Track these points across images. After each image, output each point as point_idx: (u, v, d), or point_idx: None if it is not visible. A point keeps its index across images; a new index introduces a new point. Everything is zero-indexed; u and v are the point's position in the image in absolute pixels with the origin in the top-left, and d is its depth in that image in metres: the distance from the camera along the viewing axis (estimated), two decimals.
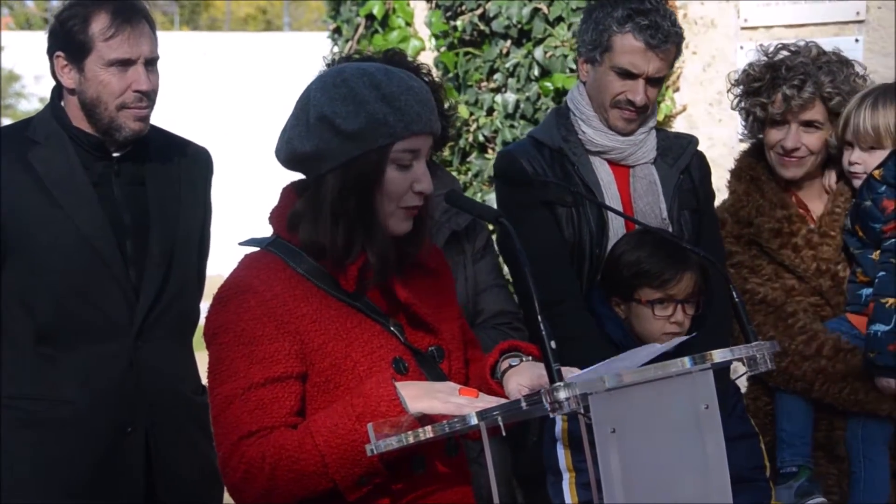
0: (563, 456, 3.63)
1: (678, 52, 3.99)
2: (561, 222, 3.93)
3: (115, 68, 3.80)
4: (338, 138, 2.70)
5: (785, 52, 4.15)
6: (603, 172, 3.98)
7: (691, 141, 4.16)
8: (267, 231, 2.88)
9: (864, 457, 4.00)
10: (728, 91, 4.26)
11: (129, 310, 3.85)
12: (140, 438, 3.87)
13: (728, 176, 4.35)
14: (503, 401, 2.67)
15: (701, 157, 4.17)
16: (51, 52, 3.87)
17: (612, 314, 3.79)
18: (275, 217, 2.85)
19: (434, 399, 2.64)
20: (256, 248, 2.84)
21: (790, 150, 4.11)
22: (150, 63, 3.86)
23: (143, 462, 3.89)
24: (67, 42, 3.82)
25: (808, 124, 4.09)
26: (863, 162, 4.05)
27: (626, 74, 3.90)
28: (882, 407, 3.98)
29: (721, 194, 4.33)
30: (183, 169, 4.03)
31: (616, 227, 3.94)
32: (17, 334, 3.84)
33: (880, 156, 4.01)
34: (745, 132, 4.28)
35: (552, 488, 3.65)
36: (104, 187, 3.88)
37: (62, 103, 3.92)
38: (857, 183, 4.08)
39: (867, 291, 4.00)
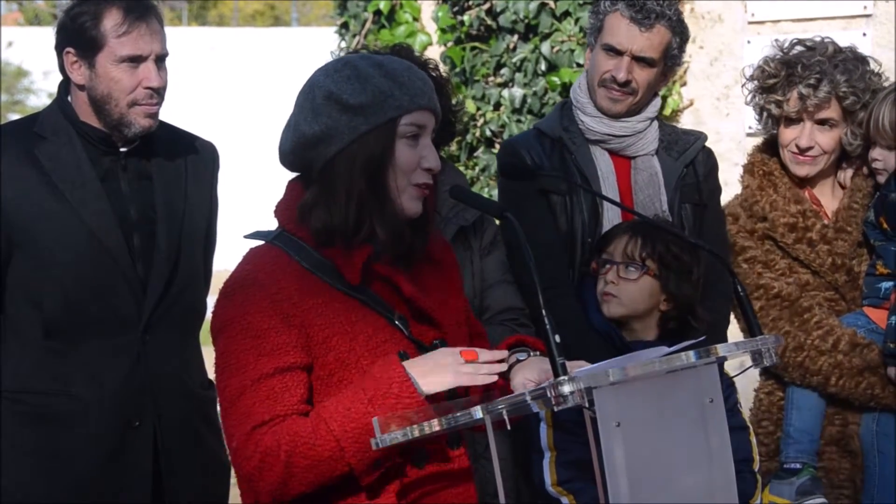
0: (545, 435, 3.64)
1: (674, 42, 3.99)
2: (555, 211, 3.97)
3: (127, 65, 3.81)
4: (346, 115, 2.72)
5: (800, 48, 4.13)
6: (603, 163, 4.01)
7: (699, 137, 4.18)
8: (274, 225, 2.89)
9: (879, 451, 4.00)
10: (742, 86, 4.25)
11: (137, 304, 3.86)
12: (147, 433, 3.88)
13: (734, 170, 4.36)
14: (502, 353, 2.71)
15: (708, 153, 4.18)
16: (60, 48, 3.87)
17: (596, 299, 3.81)
18: (281, 210, 2.85)
19: (444, 374, 2.66)
20: (261, 242, 2.84)
21: (804, 148, 4.09)
22: (160, 60, 3.87)
23: (151, 456, 3.89)
24: (78, 38, 3.82)
25: (823, 123, 4.08)
26: (883, 159, 4.04)
27: (613, 51, 3.95)
28: None
29: (728, 188, 4.33)
30: (189, 164, 4.03)
31: (611, 217, 3.96)
32: (24, 329, 3.85)
33: None
34: (759, 127, 4.26)
35: (535, 466, 3.67)
36: (111, 182, 3.88)
37: (69, 98, 3.92)
38: (880, 179, 4.07)
39: (887, 284, 4.00)
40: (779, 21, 6.14)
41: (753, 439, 3.87)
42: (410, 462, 2.76)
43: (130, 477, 3.87)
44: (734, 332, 4.15)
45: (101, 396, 3.83)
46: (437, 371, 2.67)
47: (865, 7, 5.98)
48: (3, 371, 3.86)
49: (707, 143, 4.20)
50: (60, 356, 3.83)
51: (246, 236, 2.90)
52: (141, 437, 3.87)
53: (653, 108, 4.07)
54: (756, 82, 4.17)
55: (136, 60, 3.80)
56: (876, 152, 4.05)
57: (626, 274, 3.74)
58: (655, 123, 4.09)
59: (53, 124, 3.89)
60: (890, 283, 4.00)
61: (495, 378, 2.71)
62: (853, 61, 4.08)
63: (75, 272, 3.81)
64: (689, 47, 6.29)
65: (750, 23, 6.22)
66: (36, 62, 25.22)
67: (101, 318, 3.83)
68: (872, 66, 4.14)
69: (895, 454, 3.99)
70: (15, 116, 24.76)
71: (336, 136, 2.73)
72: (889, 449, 4.00)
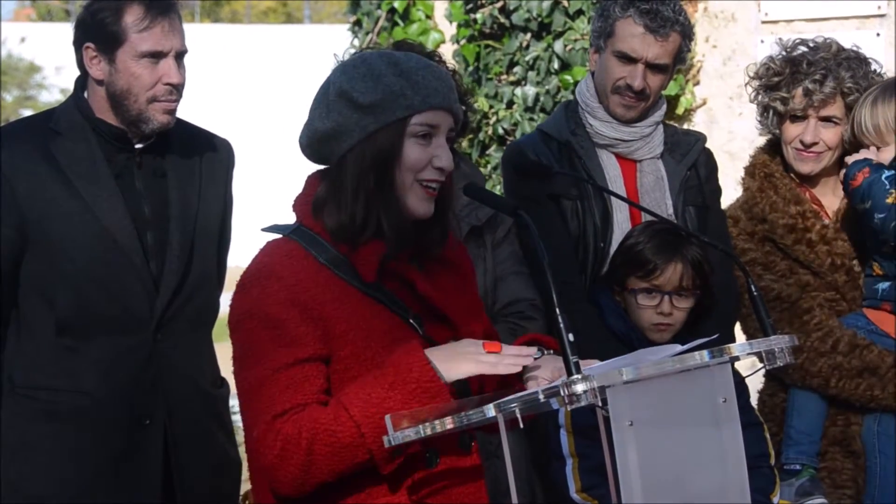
0: (566, 442, 3.65)
1: (685, 46, 4.00)
2: (566, 215, 3.96)
3: (147, 60, 3.80)
4: (357, 113, 2.72)
5: (804, 48, 4.15)
6: (610, 166, 4.02)
7: (699, 139, 4.19)
8: (288, 221, 2.89)
9: (880, 452, 4.00)
10: (746, 84, 4.26)
11: (149, 302, 3.85)
12: (158, 431, 3.87)
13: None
14: (529, 349, 2.70)
15: (708, 155, 4.19)
16: (79, 43, 3.87)
17: (613, 305, 3.81)
18: (298, 204, 2.85)
19: (466, 362, 2.65)
20: (279, 235, 2.84)
21: (809, 144, 4.10)
22: (180, 56, 3.86)
23: (161, 455, 3.89)
24: (99, 33, 3.81)
25: (827, 119, 4.08)
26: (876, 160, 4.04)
27: (626, 58, 3.94)
28: None
29: (740, 188, 4.33)
30: (204, 161, 4.02)
31: (621, 221, 3.96)
32: (36, 325, 3.84)
33: (890, 151, 4.00)
34: (761, 126, 4.27)
35: (557, 474, 3.67)
36: (126, 179, 3.88)
37: (85, 94, 3.92)
38: None
39: (884, 286, 4.00)
40: (792, 21, 6.14)
41: (768, 435, 3.87)
42: (422, 460, 2.75)
43: (140, 475, 3.86)
44: (737, 334, 4.15)
45: (112, 394, 3.83)
46: (458, 358, 2.67)
47: (879, 7, 5.98)
48: (16, 367, 3.86)
49: (720, 143, 4.21)
50: (72, 353, 3.83)
51: (263, 229, 2.89)
52: (151, 435, 3.87)
53: (660, 113, 4.09)
54: (761, 80, 4.18)
55: (156, 56, 3.80)
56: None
57: (679, 302, 3.77)
58: (661, 126, 4.10)
59: (69, 120, 3.89)
60: (886, 284, 4.00)
61: (518, 368, 2.70)
62: (856, 60, 4.10)
63: (88, 269, 3.81)
64: (703, 46, 6.32)
65: (763, 22, 6.22)
66: (48, 58, 25.29)
67: (113, 315, 3.83)
68: (874, 67, 4.15)
69: None
70: (27, 112, 24.85)
71: (346, 133, 2.74)
72: (890, 450, 4.00)
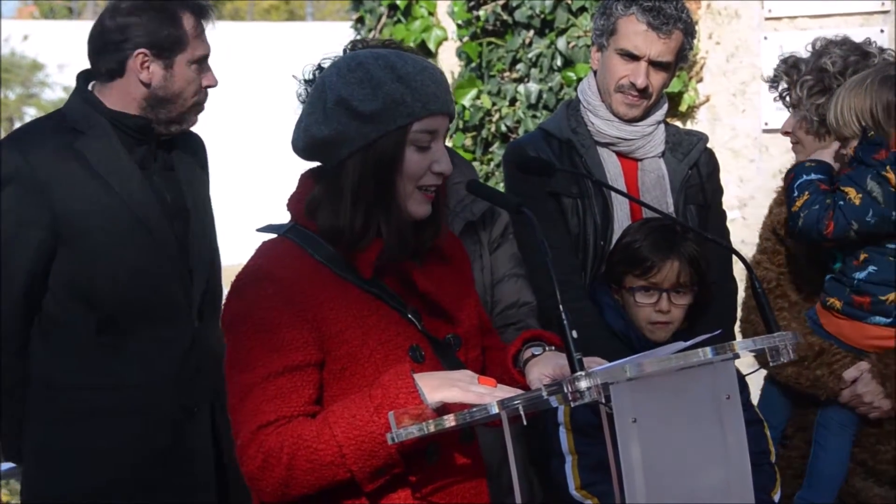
0: (565, 439, 3.65)
1: (687, 43, 4.01)
2: (566, 213, 3.97)
3: (196, 66, 3.89)
4: (356, 121, 2.70)
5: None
6: (611, 165, 4.02)
7: (701, 138, 4.21)
8: (287, 219, 2.88)
9: (816, 442, 4.01)
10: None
11: (186, 290, 3.88)
12: (205, 418, 3.90)
13: (751, 166, 4.38)
14: (522, 391, 2.66)
15: (710, 154, 4.21)
16: (121, 48, 3.84)
17: (612, 303, 3.81)
18: (293, 203, 2.85)
19: (454, 388, 2.63)
20: (274, 235, 2.84)
21: (784, 133, 4.15)
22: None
23: (211, 440, 3.91)
24: (156, 39, 3.83)
25: (795, 108, 4.11)
26: (846, 152, 4.04)
27: (629, 56, 3.95)
28: (818, 392, 3.99)
29: (745, 184, 4.34)
30: (197, 156, 4.12)
31: (621, 219, 3.97)
32: (76, 325, 3.83)
33: (850, 145, 3.99)
34: (776, 125, 4.30)
35: (556, 471, 3.66)
36: (147, 171, 3.92)
37: (90, 87, 3.93)
38: None
39: (827, 278, 4.00)
40: (796, 17, 6.13)
41: (768, 432, 3.88)
42: (423, 457, 2.75)
43: (193, 462, 3.89)
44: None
45: (158, 385, 3.85)
46: (446, 385, 2.64)
47: (883, 3, 5.97)
48: (55, 369, 3.84)
49: (723, 140, 4.21)
50: (115, 349, 3.84)
51: (258, 229, 2.88)
52: (200, 422, 3.90)
53: (661, 112, 4.10)
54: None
55: (204, 60, 3.90)
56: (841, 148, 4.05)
57: (677, 299, 3.77)
58: (662, 126, 4.11)
59: (87, 118, 3.89)
60: (829, 277, 4.00)
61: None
62: (824, 44, 4.09)
63: (126, 261, 3.82)
64: (706, 43, 6.31)
65: (767, 19, 6.21)
66: (51, 55, 25.25)
67: (155, 306, 3.86)
68: (889, 55, 4.11)
69: (835, 446, 4.01)
70: (30, 109, 24.82)
71: (347, 141, 2.72)
72: (827, 441, 4.02)
